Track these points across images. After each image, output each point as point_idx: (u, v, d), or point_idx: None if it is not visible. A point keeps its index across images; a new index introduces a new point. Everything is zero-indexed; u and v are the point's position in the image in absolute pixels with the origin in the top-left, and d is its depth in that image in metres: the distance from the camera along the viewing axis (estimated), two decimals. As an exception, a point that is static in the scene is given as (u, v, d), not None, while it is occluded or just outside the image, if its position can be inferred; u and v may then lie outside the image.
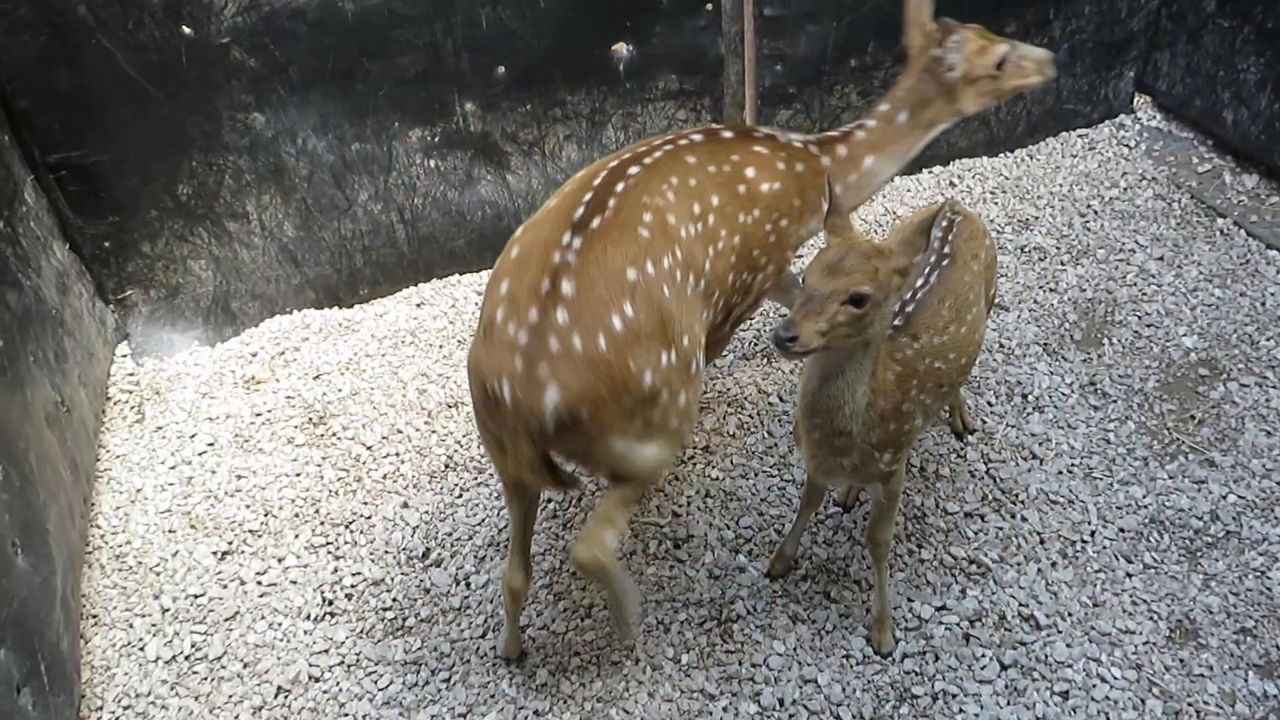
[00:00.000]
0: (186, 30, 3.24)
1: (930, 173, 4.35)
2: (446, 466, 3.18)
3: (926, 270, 2.45)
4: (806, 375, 2.14)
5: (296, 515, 3.06)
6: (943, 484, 2.96)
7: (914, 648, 2.55)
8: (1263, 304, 3.51)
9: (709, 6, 3.76)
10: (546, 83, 3.74)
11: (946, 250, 2.49)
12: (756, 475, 3.05)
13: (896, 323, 2.33)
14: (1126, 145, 4.43)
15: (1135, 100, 4.61)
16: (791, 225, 2.71)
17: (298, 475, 3.18)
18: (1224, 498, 2.86)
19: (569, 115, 3.83)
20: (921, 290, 2.41)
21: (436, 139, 3.73)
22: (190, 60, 3.29)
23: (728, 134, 2.68)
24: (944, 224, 2.56)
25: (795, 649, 2.58)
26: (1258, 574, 2.66)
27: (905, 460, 2.41)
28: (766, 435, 3.18)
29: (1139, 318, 3.51)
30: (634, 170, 2.41)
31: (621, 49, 3.75)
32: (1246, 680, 2.43)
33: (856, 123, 2.89)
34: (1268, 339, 3.36)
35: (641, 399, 2.16)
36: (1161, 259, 3.77)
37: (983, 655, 2.52)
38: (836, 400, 2.10)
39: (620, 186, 2.35)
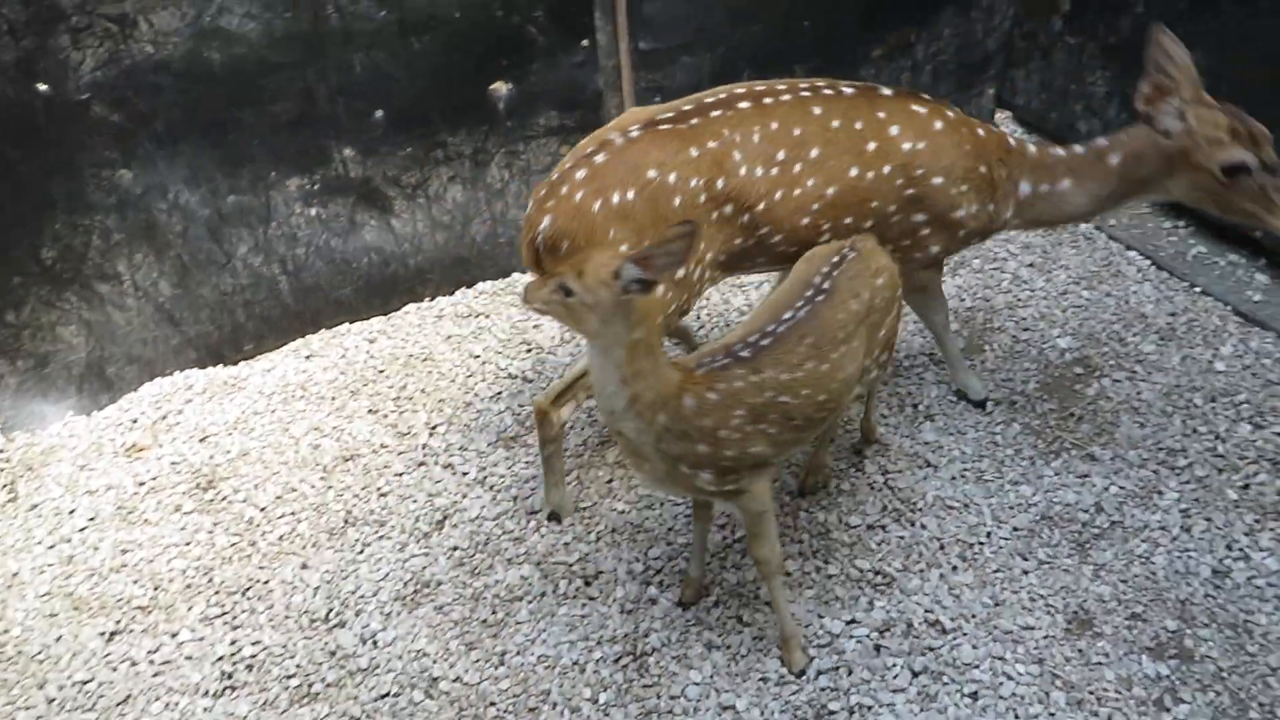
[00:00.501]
0: (42, 87, 3.11)
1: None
2: (346, 522, 3.09)
3: (797, 306, 2.41)
4: None
5: (188, 586, 2.92)
6: (844, 498, 3.02)
7: (827, 664, 2.58)
8: (1126, 302, 3.71)
9: (585, 42, 3.81)
10: (426, 124, 3.71)
11: (825, 286, 2.43)
12: (662, 505, 3.06)
13: (743, 354, 2.31)
14: (993, 158, 4.63)
15: (996, 116, 4.84)
16: (950, 184, 2.74)
17: (187, 544, 3.04)
18: (1106, 489, 3.00)
19: (451, 156, 3.81)
20: (784, 325, 2.37)
21: (316, 186, 3.65)
22: (49, 118, 3.16)
23: (887, 91, 2.77)
24: (834, 260, 2.49)
25: (712, 676, 2.58)
26: (1142, 560, 2.79)
27: (761, 482, 2.38)
28: (670, 464, 3.19)
29: (1016, 323, 3.67)
30: (743, 105, 2.64)
31: (500, 87, 3.76)
32: (1140, 664, 2.54)
33: (1064, 145, 2.83)
34: (1134, 335, 3.55)
35: None
36: (1032, 265, 3.96)
37: (894, 665, 2.57)
38: (593, 389, 2.30)
39: (716, 113, 2.61)
